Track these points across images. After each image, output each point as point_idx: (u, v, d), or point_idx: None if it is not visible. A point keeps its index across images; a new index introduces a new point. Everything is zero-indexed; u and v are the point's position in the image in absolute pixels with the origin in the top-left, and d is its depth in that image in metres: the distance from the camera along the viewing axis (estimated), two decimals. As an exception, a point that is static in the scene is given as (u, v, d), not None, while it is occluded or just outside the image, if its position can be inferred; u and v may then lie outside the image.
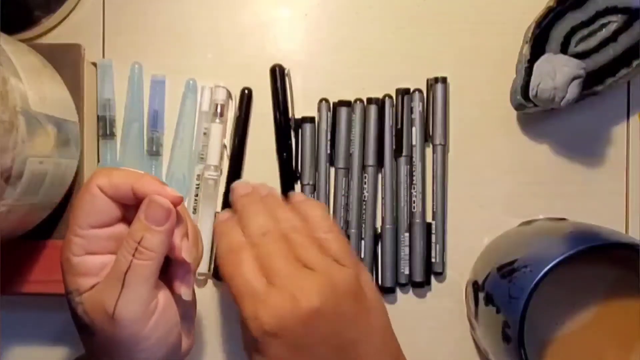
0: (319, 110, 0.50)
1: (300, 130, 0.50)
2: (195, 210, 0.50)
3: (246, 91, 0.50)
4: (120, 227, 0.35)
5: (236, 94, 0.51)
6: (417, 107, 0.50)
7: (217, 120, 0.50)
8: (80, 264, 0.33)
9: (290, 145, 0.50)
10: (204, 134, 0.50)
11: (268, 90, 0.51)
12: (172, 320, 0.34)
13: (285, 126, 0.50)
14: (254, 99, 0.51)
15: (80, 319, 0.33)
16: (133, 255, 0.32)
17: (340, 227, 0.50)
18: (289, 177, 0.49)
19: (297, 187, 0.51)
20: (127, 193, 0.34)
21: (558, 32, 0.47)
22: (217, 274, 0.50)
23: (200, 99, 0.50)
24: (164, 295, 0.34)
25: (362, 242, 0.50)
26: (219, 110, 0.50)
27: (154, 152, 0.50)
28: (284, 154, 0.50)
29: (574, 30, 0.47)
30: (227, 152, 0.50)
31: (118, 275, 0.32)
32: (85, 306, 0.33)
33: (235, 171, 0.50)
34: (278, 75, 0.50)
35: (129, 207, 0.35)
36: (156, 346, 0.33)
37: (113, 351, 0.33)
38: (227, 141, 0.50)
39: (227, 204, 0.50)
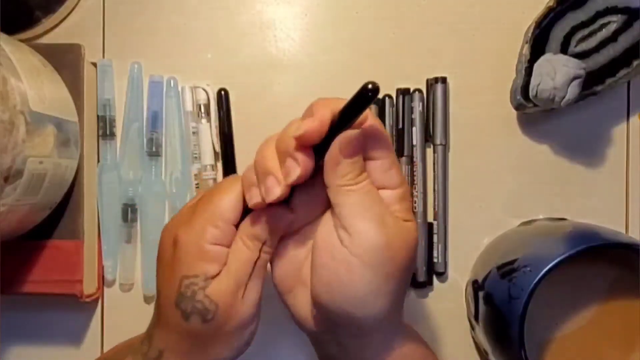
0: (319, 110, 0.50)
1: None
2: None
3: (222, 92, 0.50)
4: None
5: (233, 94, 0.51)
6: (417, 107, 0.50)
7: (203, 121, 0.50)
8: (211, 252, 0.35)
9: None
10: (193, 133, 0.50)
11: (268, 89, 0.51)
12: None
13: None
14: (254, 99, 0.51)
15: (193, 304, 0.35)
16: (260, 250, 0.35)
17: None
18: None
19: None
20: None
21: (558, 32, 0.47)
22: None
23: (181, 99, 0.51)
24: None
25: (362, 242, 0.50)
26: (202, 110, 0.50)
27: (154, 152, 0.50)
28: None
29: (574, 30, 0.47)
30: (217, 150, 0.50)
31: (247, 264, 0.35)
32: (209, 290, 0.34)
33: (228, 171, 0.50)
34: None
35: None
36: (256, 327, 0.37)
37: (214, 337, 0.35)
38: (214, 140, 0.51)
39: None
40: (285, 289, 0.37)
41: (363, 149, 0.34)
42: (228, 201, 0.35)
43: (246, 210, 0.36)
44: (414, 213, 0.50)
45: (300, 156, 0.33)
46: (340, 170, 0.33)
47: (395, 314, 0.36)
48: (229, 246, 0.36)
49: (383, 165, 0.34)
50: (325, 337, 0.36)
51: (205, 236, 0.35)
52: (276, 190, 0.33)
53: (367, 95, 0.31)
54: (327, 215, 0.35)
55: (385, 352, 0.36)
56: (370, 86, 0.31)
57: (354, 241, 0.33)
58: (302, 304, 0.36)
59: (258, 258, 0.35)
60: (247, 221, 0.36)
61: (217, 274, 0.35)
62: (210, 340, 0.36)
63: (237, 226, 0.36)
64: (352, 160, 0.33)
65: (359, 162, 0.34)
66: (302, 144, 0.33)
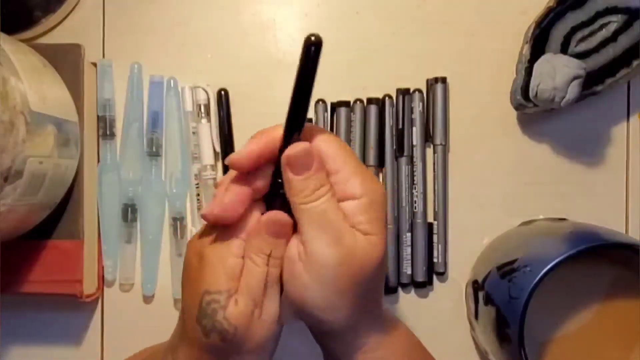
0: (316, 111, 0.51)
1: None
2: (199, 209, 0.50)
3: (222, 92, 0.50)
4: None
5: (233, 94, 0.51)
6: (417, 107, 0.50)
7: (203, 121, 0.50)
8: (235, 266, 0.35)
9: None
10: (193, 133, 0.50)
11: (268, 89, 0.51)
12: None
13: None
14: (254, 99, 0.51)
15: (213, 323, 0.34)
16: (267, 264, 0.35)
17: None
18: None
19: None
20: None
21: (558, 32, 0.47)
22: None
23: (181, 99, 0.51)
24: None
25: (362, 242, 0.50)
26: (202, 110, 0.50)
27: (154, 152, 0.50)
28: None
29: (574, 30, 0.47)
30: (217, 150, 0.50)
31: (258, 282, 0.34)
32: (228, 312, 0.34)
33: (228, 171, 0.50)
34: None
35: None
36: (275, 342, 0.36)
37: (234, 354, 0.35)
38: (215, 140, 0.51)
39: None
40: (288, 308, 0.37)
41: (315, 164, 0.34)
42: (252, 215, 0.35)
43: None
44: (414, 213, 0.50)
45: (226, 194, 0.34)
46: (293, 188, 0.33)
47: (365, 315, 0.36)
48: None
49: (342, 176, 0.34)
50: (311, 331, 0.37)
51: (233, 250, 0.35)
52: (209, 217, 0.34)
53: (310, 50, 0.32)
54: (296, 239, 0.35)
55: (363, 348, 0.36)
56: (313, 38, 0.32)
57: (308, 258, 0.33)
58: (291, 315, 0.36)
59: (268, 273, 0.35)
60: (248, 238, 0.35)
61: (236, 291, 0.34)
62: (231, 358, 0.35)
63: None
64: (303, 177, 0.33)
65: (312, 178, 0.33)
66: (235, 169, 0.34)
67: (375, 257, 0.34)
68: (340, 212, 0.34)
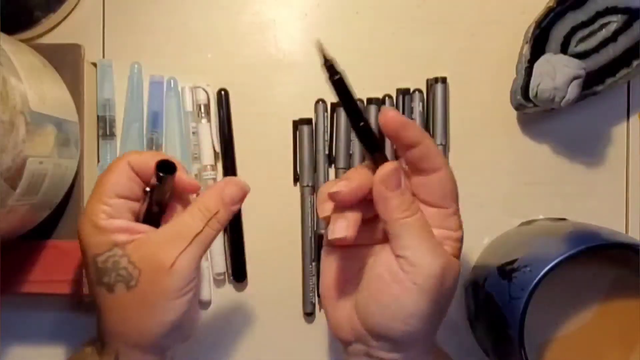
0: (316, 111, 0.51)
1: (298, 132, 0.50)
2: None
3: (222, 92, 0.50)
4: (135, 205, 0.38)
5: (233, 94, 0.51)
6: (417, 107, 0.50)
7: (203, 121, 0.50)
8: (109, 225, 0.36)
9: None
10: (193, 133, 0.50)
11: (268, 89, 0.51)
12: (199, 285, 0.39)
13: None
14: (254, 99, 0.51)
15: (117, 273, 0.36)
16: (206, 224, 0.37)
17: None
18: None
19: (297, 188, 0.51)
20: (151, 170, 0.37)
21: (558, 32, 0.47)
22: (236, 274, 0.50)
23: (181, 99, 0.51)
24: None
25: (362, 242, 0.50)
26: (202, 110, 0.50)
27: (154, 152, 0.50)
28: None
29: (574, 30, 0.47)
30: (217, 150, 0.50)
31: (185, 235, 0.36)
32: (133, 257, 0.36)
33: (228, 171, 0.51)
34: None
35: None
36: (186, 304, 0.37)
37: (141, 307, 0.36)
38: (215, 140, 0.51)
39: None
40: (329, 297, 0.39)
41: (405, 180, 0.36)
42: (111, 178, 0.37)
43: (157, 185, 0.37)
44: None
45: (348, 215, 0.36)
46: (391, 204, 0.35)
47: (430, 336, 0.38)
48: (128, 218, 0.37)
49: (446, 212, 0.37)
50: (358, 347, 0.38)
51: (98, 214, 0.36)
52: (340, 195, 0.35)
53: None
54: (385, 246, 0.37)
55: None
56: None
57: (415, 270, 0.35)
58: (342, 315, 0.38)
59: (200, 232, 0.36)
60: (203, 192, 0.38)
61: (133, 241, 0.36)
62: (138, 313, 0.36)
63: (136, 200, 0.38)
64: (399, 191, 0.35)
65: (406, 193, 0.36)
66: (336, 203, 0.36)
67: (458, 277, 0.37)
68: (431, 227, 0.37)
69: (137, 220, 0.38)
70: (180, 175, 0.38)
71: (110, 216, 0.37)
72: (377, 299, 0.36)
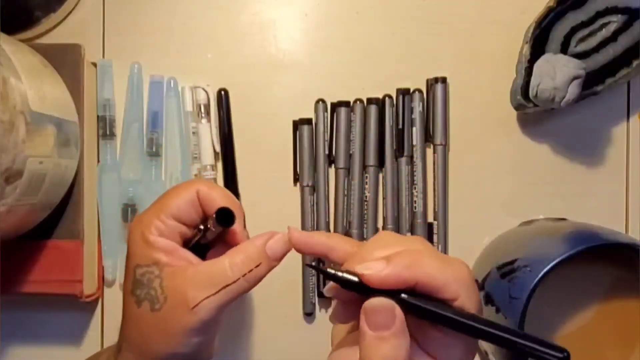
0: (316, 111, 0.51)
1: (298, 132, 0.51)
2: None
3: (222, 92, 0.50)
4: (187, 230, 0.38)
5: (233, 94, 0.51)
6: (417, 107, 0.50)
7: (203, 121, 0.50)
8: (157, 242, 0.37)
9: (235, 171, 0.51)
10: (193, 133, 0.50)
11: (268, 89, 0.51)
12: (218, 328, 0.39)
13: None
14: (254, 99, 0.51)
15: (147, 290, 0.36)
16: (244, 275, 0.35)
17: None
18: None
19: (297, 188, 0.51)
20: (216, 208, 0.36)
21: (558, 32, 0.47)
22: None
23: (181, 99, 0.51)
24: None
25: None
26: (202, 110, 0.50)
27: (154, 152, 0.50)
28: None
29: (574, 30, 0.47)
30: (217, 150, 0.50)
31: (216, 282, 0.35)
32: (164, 282, 0.36)
33: (228, 171, 0.51)
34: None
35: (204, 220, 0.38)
36: (200, 344, 0.36)
37: (159, 331, 0.36)
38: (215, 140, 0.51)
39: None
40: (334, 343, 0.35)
41: (397, 326, 0.29)
42: (176, 200, 0.37)
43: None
44: (414, 213, 0.50)
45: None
46: (365, 342, 0.29)
47: None
48: (177, 241, 0.37)
49: (448, 340, 0.30)
50: None
51: (151, 228, 0.37)
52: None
53: None
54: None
55: None
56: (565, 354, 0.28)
57: None
58: None
59: (233, 283, 0.35)
60: (249, 241, 0.37)
61: (172, 266, 0.36)
62: (155, 335, 0.36)
63: (190, 226, 0.38)
64: (376, 335, 0.29)
65: (388, 341, 0.29)
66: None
67: None
68: None
69: (184, 244, 0.38)
70: (236, 227, 0.37)
71: (160, 234, 0.37)
72: None
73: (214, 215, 0.35)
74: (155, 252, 0.36)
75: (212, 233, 0.37)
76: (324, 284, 0.49)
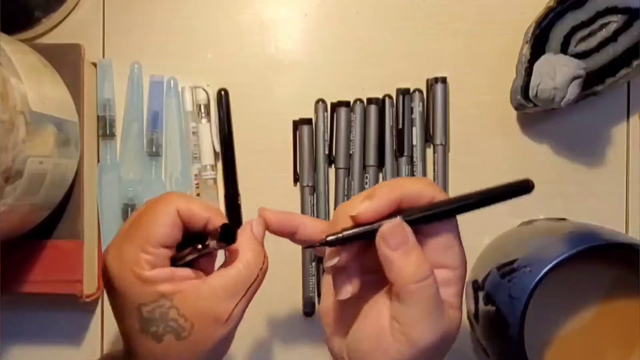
0: (316, 111, 0.51)
1: (298, 132, 0.51)
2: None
3: (222, 92, 0.50)
4: (173, 251, 0.37)
5: (233, 94, 0.51)
6: (417, 107, 0.50)
7: (203, 121, 0.50)
8: (154, 276, 0.35)
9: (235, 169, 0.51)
10: (193, 133, 0.50)
11: (268, 89, 0.51)
12: None
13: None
14: (254, 99, 0.51)
15: (165, 324, 0.35)
16: (257, 276, 0.36)
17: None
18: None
19: (297, 188, 0.51)
20: (199, 223, 0.36)
21: (558, 32, 0.47)
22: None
23: (181, 99, 0.51)
24: None
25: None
26: (202, 110, 0.50)
27: (154, 152, 0.50)
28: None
29: (574, 30, 0.47)
30: (217, 150, 0.50)
31: (239, 287, 0.35)
32: (183, 310, 0.34)
33: (228, 170, 0.51)
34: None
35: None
36: (228, 348, 0.37)
37: (188, 355, 0.35)
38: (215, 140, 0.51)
39: (226, 202, 0.50)
40: (326, 322, 0.37)
41: (413, 238, 0.32)
42: (158, 226, 0.35)
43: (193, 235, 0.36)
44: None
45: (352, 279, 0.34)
46: (394, 266, 0.32)
47: None
48: (166, 265, 0.36)
49: (442, 241, 0.33)
50: None
51: (141, 264, 0.35)
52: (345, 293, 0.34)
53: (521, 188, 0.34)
54: (385, 293, 0.34)
55: None
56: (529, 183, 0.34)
57: (407, 342, 0.32)
58: (337, 340, 0.36)
59: (255, 281, 0.36)
60: (243, 242, 0.36)
61: (180, 292, 0.35)
62: (181, 358, 0.35)
63: (178, 246, 0.36)
64: (403, 250, 0.32)
65: (412, 253, 0.32)
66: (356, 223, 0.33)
67: (457, 330, 0.34)
68: (439, 293, 0.32)
69: (172, 262, 0.36)
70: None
71: (153, 266, 0.35)
72: (358, 350, 0.34)
73: (218, 233, 0.34)
74: (157, 287, 0.35)
75: (210, 249, 0.36)
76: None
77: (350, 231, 0.33)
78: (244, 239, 0.36)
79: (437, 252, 0.33)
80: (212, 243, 0.35)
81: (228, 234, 0.34)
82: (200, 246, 0.35)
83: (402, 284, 0.32)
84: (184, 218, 0.36)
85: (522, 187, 0.34)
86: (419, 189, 0.33)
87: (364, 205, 0.32)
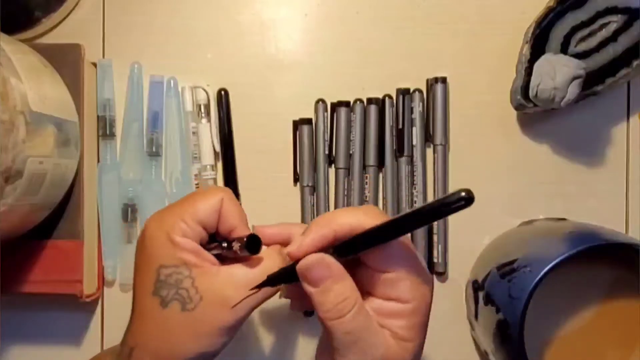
0: (316, 111, 0.51)
1: (298, 132, 0.51)
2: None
3: (222, 92, 0.50)
4: (205, 236, 0.38)
5: (233, 94, 0.51)
6: (417, 107, 0.50)
7: (203, 121, 0.50)
8: (184, 243, 0.36)
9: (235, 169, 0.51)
10: (193, 133, 0.50)
11: (268, 89, 0.51)
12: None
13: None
14: (254, 99, 0.51)
15: (176, 291, 0.35)
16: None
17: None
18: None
19: (297, 188, 0.51)
20: (230, 224, 0.37)
21: (558, 32, 0.47)
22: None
23: (181, 99, 0.51)
24: None
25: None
26: (202, 110, 0.50)
27: (154, 152, 0.50)
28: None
29: (574, 30, 0.47)
30: (217, 150, 0.50)
31: (253, 284, 0.35)
32: (197, 283, 0.35)
33: (228, 170, 0.51)
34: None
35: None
36: (228, 341, 0.37)
37: (187, 331, 0.35)
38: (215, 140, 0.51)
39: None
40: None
41: (333, 274, 0.33)
42: (202, 203, 0.37)
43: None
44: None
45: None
46: (314, 301, 0.33)
47: None
48: (197, 242, 0.37)
49: (393, 276, 0.33)
50: None
51: (175, 229, 0.36)
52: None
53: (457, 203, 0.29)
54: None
55: None
56: (463, 194, 0.29)
57: None
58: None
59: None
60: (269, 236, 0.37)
61: (202, 267, 0.36)
62: (181, 334, 0.35)
63: (212, 235, 0.38)
64: (319, 289, 0.33)
65: (332, 290, 0.33)
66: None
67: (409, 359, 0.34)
68: (370, 319, 0.33)
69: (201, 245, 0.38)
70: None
71: (185, 235, 0.36)
72: None
73: (245, 241, 0.35)
74: (183, 253, 0.36)
75: (232, 253, 0.36)
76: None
77: (275, 272, 0.35)
78: (271, 249, 0.37)
79: (384, 285, 0.33)
80: (236, 246, 0.36)
81: (254, 244, 0.35)
82: (225, 244, 0.37)
83: (322, 318, 0.33)
84: (223, 211, 0.37)
85: (459, 200, 0.29)
86: (356, 220, 0.33)
87: (296, 242, 0.34)
